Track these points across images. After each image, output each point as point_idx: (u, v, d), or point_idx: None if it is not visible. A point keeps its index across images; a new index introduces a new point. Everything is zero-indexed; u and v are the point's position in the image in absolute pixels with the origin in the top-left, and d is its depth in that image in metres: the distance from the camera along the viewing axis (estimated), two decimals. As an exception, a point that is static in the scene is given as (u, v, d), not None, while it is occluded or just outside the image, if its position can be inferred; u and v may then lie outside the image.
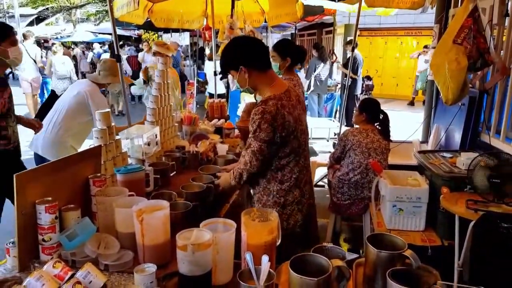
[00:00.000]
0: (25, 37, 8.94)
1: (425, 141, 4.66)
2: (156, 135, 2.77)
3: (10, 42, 2.53)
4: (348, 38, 11.07)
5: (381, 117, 3.32)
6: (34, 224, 1.52)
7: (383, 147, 3.21)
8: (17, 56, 2.59)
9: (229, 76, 5.38)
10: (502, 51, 3.44)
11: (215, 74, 5.65)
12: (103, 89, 3.56)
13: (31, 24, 25.59)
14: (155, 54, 4.47)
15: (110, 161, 2.22)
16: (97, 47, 17.29)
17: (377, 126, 3.32)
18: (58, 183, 1.66)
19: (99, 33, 22.83)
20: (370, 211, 3.07)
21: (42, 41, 21.36)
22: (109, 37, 20.41)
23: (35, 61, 8.69)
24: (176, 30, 15.07)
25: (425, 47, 11.41)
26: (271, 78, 2.03)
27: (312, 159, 4.97)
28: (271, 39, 13.37)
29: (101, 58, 12.03)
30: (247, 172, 2.01)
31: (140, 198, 1.76)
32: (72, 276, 1.25)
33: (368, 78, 11.01)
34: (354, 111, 3.55)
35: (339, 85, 9.22)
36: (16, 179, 1.43)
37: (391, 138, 3.37)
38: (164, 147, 3.06)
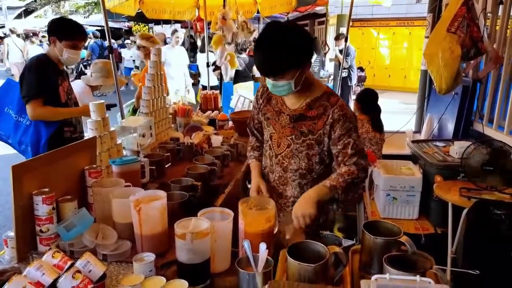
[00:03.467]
0: (12, 32, 9.52)
1: (418, 131, 4.71)
2: (150, 126, 2.76)
3: (71, 45, 2.53)
4: (341, 29, 11.07)
5: (373, 109, 3.34)
6: (32, 215, 1.52)
7: (377, 138, 3.24)
8: (71, 56, 2.57)
9: (223, 68, 5.39)
10: (495, 40, 3.48)
11: (207, 65, 5.61)
12: (97, 91, 3.54)
13: (19, 16, 25.12)
14: (139, 48, 4.34)
15: (105, 153, 2.21)
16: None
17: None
18: (54, 174, 1.65)
19: (89, 26, 22.52)
20: (364, 200, 3.10)
21: (31, 34, 21.04)
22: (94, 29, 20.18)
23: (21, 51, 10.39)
24: (168, 22, 14.93)
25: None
26: (312, 76, 1.74)
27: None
28: (263, 30, 13.28)
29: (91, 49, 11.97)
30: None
31: (136, 188, 1.77)
32: (71, 265, 1.25)
33: (361, 69, 11.04)
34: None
35: (332, 76, 9.24)
36: (12, 170, 1.42)
37: (384, 129, 3.39)
38: (158, 138, 3.05)
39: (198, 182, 2.13)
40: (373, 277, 1.11)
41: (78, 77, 12.11)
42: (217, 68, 5.48)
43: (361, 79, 10.87)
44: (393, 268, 1.20)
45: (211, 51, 5.77)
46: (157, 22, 15.90)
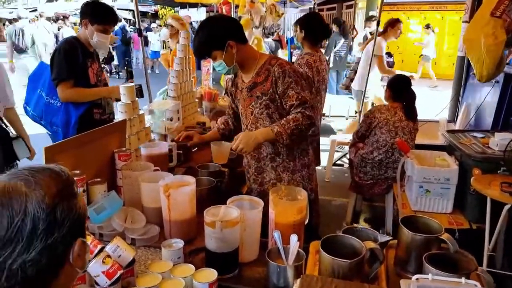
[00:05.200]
0: (40, 16, 9.47)
1: (452, 120, 4.51)
2: (178, 110, 2.74)
3: (102, 29, 2.51)
4: (370, 13, 10.71)
5: (406, 96, 3.19)
6: (62, 197, 1.52)
7: (411, 127, 3.10)
8: (101, 40, 2.54)
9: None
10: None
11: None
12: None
13: (50, 0, 25.56)
14: (167, 26, 4.36)
15: (134, 136, 2.20)
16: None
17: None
18: (85, 156, 1.65)
19: (118, 9, 22.70)
20: (394, 191, 3.00)
21: (61, 17, 21.41)
22: (125, 13, 20.27)
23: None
24: (194, 6, 14.83)
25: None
26: (254, 51, 1.98)
27: (331, 137, 4.90)
28: (288, 14, 13.04)
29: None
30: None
31: (165, 173, 1.75)
32: (101, 249, 1.24)
33: (389, 54, 10.68)
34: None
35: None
36: (45, 151, 1.42)
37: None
38: (185, 122, 3.04)
39: (225, 168, 2.10)
40: (414, 277, 1.05)
41: (107, 61, 12.27)
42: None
43: (388, 65, 10.52)
44: (434, 267, 1.13)
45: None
46: (183, 5, 15.83)
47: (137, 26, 3.41)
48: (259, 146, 1.87)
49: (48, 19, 11.37)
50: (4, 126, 2.50)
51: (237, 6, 5.87)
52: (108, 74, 12.26)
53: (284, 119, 1.83)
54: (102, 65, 3.02)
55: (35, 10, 19.86)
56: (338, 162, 5.18)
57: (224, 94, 4.45)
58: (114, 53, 12.43)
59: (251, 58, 1.92)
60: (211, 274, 1.23)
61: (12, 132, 2.54)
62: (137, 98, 2.27)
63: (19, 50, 7.60)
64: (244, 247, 1.42)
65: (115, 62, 12.52)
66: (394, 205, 3.04)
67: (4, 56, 7.79)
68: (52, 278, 0.78)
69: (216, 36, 1.84)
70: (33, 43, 7.58)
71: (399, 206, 2.74)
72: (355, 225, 1.42)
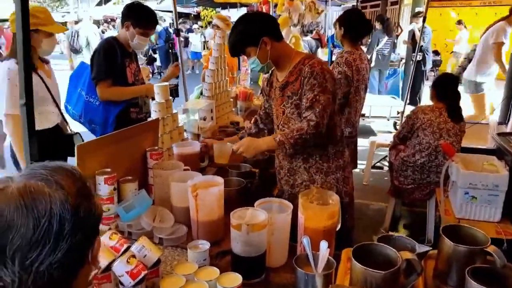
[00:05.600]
0: (80, 21, 9.95)
1: (503, 122, 4.19)
2: (211, 109, 2.73)
3: (142, 32, 2.57)
4: (416, 9, 10.28)
5: (452, 95, 2.99)
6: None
7: (457, 129, 2.91)
8: (140, 43, 2.61)
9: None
10: None
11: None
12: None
13: (99, 4, 26.76)
14: (213, 27, 4.43)
15: (167, 135, 2.22)
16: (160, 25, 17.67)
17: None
18: (117, 154, 1.67)
19: (162, 11, 23.34)
20: (437, 197, 2.82)
21: (109, 19, 22.38)
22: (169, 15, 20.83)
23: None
24: (234, 6, 14.96)
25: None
26: (290, 48, 1.93)
27: (371, 138, 4.73)
28: (329, 12, 12.79)
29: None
30: None
31: (195, 173, 1.73)
32: (127, 249, 1.24)
33: (436, 53, 10.21)
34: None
35: (403, 60, 8.63)
36: (77, 149, 1.44)
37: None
38: (218, 122, 3.03)
39: (255, 169, 2.06)
40: (455, 294, 0.95)
41: (149, 62, 12.60)
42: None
43: (436, 64, 10.06)
44: (478, 283, 1.03)
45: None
46: (224, 6, 16.02)
47: (175, 26, 3.43)
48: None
49: (97, 22, 11.87)
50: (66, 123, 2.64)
51: (276, 5, 5.82)
52: (151, 75, 12.61)
53: (290, 128, 1.82)
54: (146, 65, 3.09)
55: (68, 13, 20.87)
56: (378, 164, 4.99)
57: (260, 93, 4.43)
58: (156, 55, 12.72)
59: (286, 56, 1.87)
60: (235, 278, 1.19)
61: (70, 128, 2.68)
62: (171, 97, 2.28)
63: (74, 50, 8.11)
64: (271, 252, 1.38)
65: (158, 63, 12.82)
66: (436, 211, 2.87)
67: (59, 58, 8.35)
68: (73, 278, 0.77)
69: (250, 33, 1.81)
70: (88, 44, 8.02)
71: (442, 212, 2.58)
72: (391, 233, 1.33)
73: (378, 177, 4.72)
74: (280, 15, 5.25)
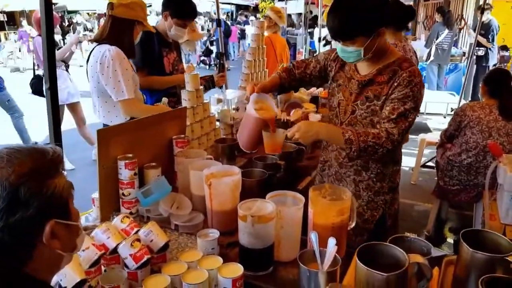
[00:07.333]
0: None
1: None
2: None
3: (180, 23, 2.59)
4: (481, 0, 9.52)
5: (505, 92, 2.72)
6: (116, 179, 1.60)
7: (508, 128, 2.66)
8: (178, 33, 2.63)
9: (333, 42, 5.09)
10: None
11: (318, 40, 5.38)
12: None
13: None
14: (265, 18, 4.39)
15: (197, 123, 2.24)
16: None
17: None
18: (141, 141, 1.72)
19: (221, 3, 23.72)
20: (483, 200, 2.61)
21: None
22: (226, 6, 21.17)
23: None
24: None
25: None
26: (388, 44, 1.64)
27: (421, 136, 4.47)
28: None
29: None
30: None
31: (214, 162, 1.74)
32: (137, 232, 1.28)
33: (505, 48, 9.36)
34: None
35: (466, 55, 8.04)
36: (98, 134, 1.50)
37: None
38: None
39: (281, 161, 2.02)
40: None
41: (206, 54, 12.82)
42: (327, 43, 5.21)
43: (504, 60, 9.23)
44: (493, 295, 0.93)
45: (324, 26, 5.51)
46: (282, -2, 15.91)
47: (218, 17, 3.47)
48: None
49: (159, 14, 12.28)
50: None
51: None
52: (207, 67, 12.82)
53: (365, 129, 1.54)
54: (202, 58, 3.10)
55: (150, 6, 21.77)
56: (430, 164, 4.71)
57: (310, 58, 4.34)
58: (213, 46, 12.87)
59: (383, 50, 1.58)
60: (236, 269, 1.18)
61: None
62: (202, 87, 2.30)
63: None
64: (281, 246, 1.35)
65: (214, 55, 12.98)
66: (483, 216, 2.65)
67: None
68: (25, 258, 0.78)
69: (369, 21, 1.47)
70: None
71: (486, 217, 2.38)
72: (407, 234, 1.23)
73: (427, 177, 4.47)
74: (328, 6, 5.12)
